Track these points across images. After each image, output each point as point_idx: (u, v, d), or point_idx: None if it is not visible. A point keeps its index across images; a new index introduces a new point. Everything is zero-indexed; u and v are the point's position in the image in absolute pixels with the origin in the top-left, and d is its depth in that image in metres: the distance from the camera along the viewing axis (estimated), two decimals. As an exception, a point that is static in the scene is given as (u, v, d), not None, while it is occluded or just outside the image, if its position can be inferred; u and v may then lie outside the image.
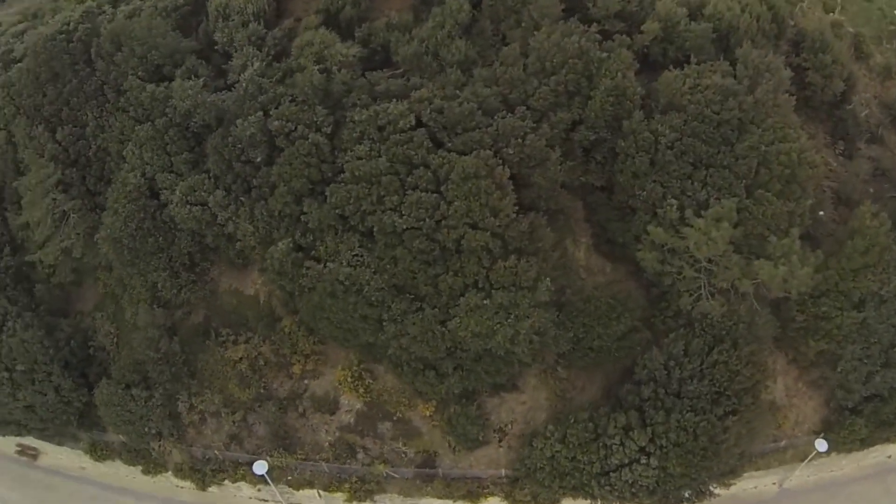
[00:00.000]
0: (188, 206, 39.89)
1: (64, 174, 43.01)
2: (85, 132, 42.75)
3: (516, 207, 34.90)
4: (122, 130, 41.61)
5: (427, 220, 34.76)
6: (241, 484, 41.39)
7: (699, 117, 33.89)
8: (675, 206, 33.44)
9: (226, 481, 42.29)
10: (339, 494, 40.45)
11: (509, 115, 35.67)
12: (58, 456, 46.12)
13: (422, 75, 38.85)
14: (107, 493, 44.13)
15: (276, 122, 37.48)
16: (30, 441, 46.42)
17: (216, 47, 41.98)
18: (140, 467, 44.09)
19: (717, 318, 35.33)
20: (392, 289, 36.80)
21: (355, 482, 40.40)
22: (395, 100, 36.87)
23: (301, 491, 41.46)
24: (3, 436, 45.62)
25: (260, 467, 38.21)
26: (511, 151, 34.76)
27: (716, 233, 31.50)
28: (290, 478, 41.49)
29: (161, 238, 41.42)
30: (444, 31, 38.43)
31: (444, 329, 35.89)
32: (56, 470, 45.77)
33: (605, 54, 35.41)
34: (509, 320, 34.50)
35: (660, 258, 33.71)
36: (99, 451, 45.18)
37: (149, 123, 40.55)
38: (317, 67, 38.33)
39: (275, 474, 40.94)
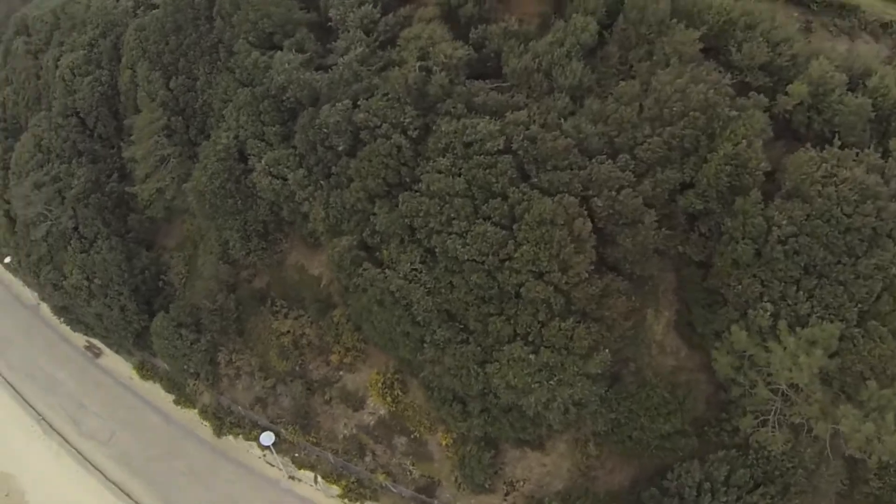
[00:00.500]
0: (269, 178, 37.43)
1: (170, 120, 41.87)
2: (195, 85, 41.11)
3: (592, 266, 29.09)
4: (225, 90, 39.53)
5: (490, 256, 29.93)
6: (253, 444, 40.02)
7: (826, 215, 26.33)
8: (768, 313, 26.46)
9: (240, 436, 41.22)
10: (334, 487, 38.17)
11: (609, 161, 29.51)
12: (115, 360, 47.09)
13: (529, 94, 33.18)
14: (143, 407, 44.50)
15: (361, 115, 33.68)
16: (96, 341, 47.81)
17: (330, 24, 38.25)
18: (173, 396, 44.09)
19: (777, 453, 28.15)
20: (442, 313, 32.58)
21: (353, 482, 37.96)
22: (489, 117, 31.79)
23: (302, 470, 39.60)
24: (75, 332, 47.70)
25: (266, 438, 37.46)
26: (600, 203, 28.78)
27: (805, 359, 24.36)
28: (296, 455, 39.78)
29: (240, 201, 39.45)
30: (562, 50, 32.29)
31: (481, 370, 31.53)
32: (110, 372, 46.77)
33: (734, 113, 28.07)
34: (550, 383, 29.36)
35: (735, 365, 26.91)
36: (145, 371, 45.69)
37: (248, 89, 38.13)
38: (418, 64, 33.68)
39: (283, 447, 39.55)
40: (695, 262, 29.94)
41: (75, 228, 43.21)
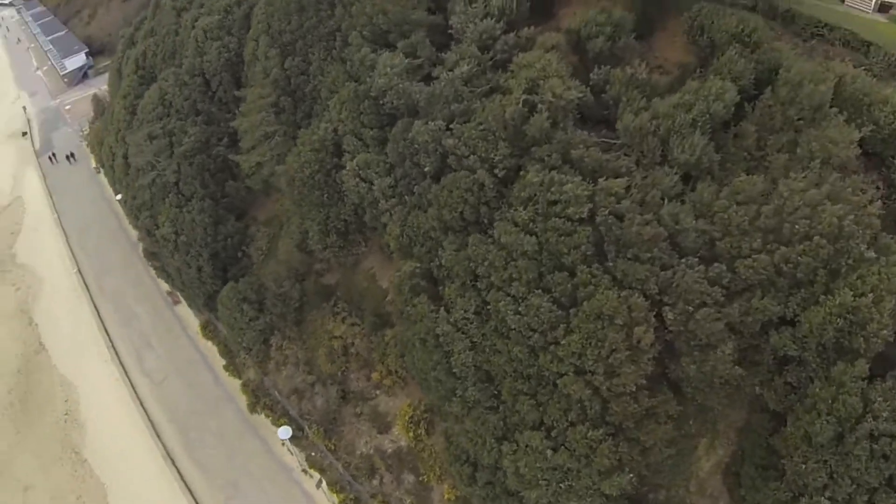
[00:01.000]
0: (357, 179, 37.86)
1: (279, 99, 43.65)
2: (309, 69, 42.39)
3: (645, 380, 26.21)
4: (334, 80, 40.35)
5: (537, 334, 28.02)
6: (279, 429, 41.39)
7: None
8: (821, 513, 22.15)
9: (269, 419, 43.25)
10: (335, 496, 39.00)
11: (701, 266, 25.97)
12: (188, 312, 51.53)
13: (638, 160, 30.03)
14: (200, 362, 48.15)
15: (450, 140, 32.66)
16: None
17: (450, 31, 37.27)
18: (225, 362, 47.15)
19: None
20: (480, 372, 31.50)
21: (351, 499, 38.60)
22: (582, 177, 29.30)
23: (312, 469, 40.90)
24: (159, 278, 52.83)
25: (284, 433, 38.98)
26: (671, 315, 25.63)
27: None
28: (312, 453, 41.03)
29: (327, 195, 40.30)
30: (687, 117, 28.77)
31: (497, 445, 30.39)
32: (181, 320, 51.41)
33: (872, 254, 23.36)
34: (559, 485, 27.61)
35: (771, 550, 23.06)
36: (207, 330, 49.13)
37: (354, 84, 38.48)
38: (523, 97, 31.85)
39: (303, 442, 41.18)
40: (769, 411, 25.80)
41: (176, 183, 46.98)
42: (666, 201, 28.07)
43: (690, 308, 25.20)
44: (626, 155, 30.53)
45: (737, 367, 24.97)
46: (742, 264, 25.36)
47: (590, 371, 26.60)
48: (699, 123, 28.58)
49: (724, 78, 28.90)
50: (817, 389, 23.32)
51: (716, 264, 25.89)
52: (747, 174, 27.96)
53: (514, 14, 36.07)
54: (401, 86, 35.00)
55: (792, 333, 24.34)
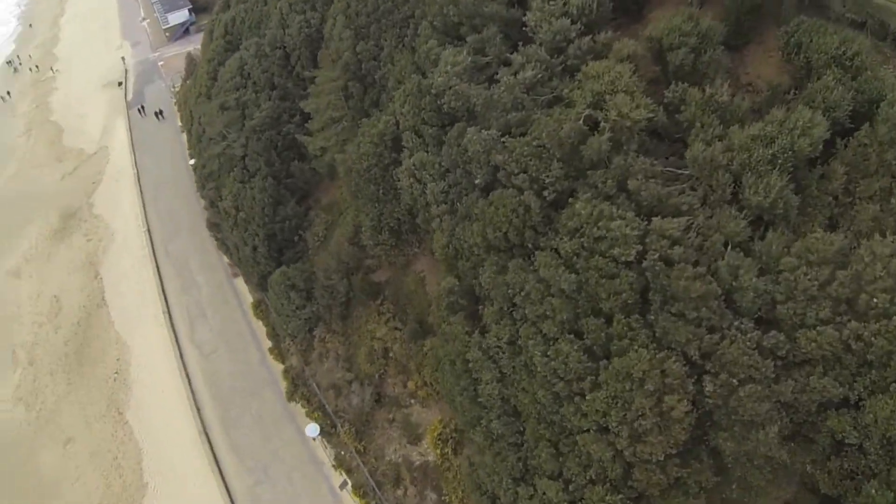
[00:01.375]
0: (411, 179, 37.97)
1: (348, 84, 44.09)
2: (380, 55, 42.49)
3: (674, 449, 24.78)
4: (402, 70, 40.25)
5: (561, 382, 27.23)
6: (307, 426, 43.56)
7: None
8: None
9: (305, 409, 44.98)
10: (357, 499, 40.20)
11: (756, 332, 24.05)
12: (245, 287, 54.07)
13: (706, 196, 27.89)
14: (250, 340, 50.53)
15: (499, 156, 31.76)
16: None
17: (525, 28, 35.94)
18: (271, 344, 49.31)
19: None
20: (507, 405, 31.32)
21: None
22: (635, 212, 27.60)
23: (340, 468, 42.25)
24: (219, 250, 55.71)
25: (312, 430, 41.21)
26: (711, 387, 23.93)
27: None
28: (342, 453, 42.38)
29: (382, 191, 40.76)
30: (765, 153, 26.31)
31: (514, 486, 30.37)
32: (239, 294, 54.18)
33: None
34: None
35: None
36: (259, 310, 51.53)
37: (419, 77, 38.16)
38: (585, 113, 30.34)
39: (333, 441, 42.82)
40: (819, 495, 23.76)
41: (242, 157, 49.00)
42: (728, 249, 26.08)
43: (735, 381, 23.50)
44: (692, 189, 28.50)
45: (784, 446, 23.26)
46: (804, 335, 23.34)
47: (613, 430, 25.57)
48: (779, 161, 26.15)
49: (817, 108, 26.24)
50: (873, 490, 21.38)
51: (773, 332, 23.93)
52: (829, 222, 25.66)
53: (595, 14, 34.17)
54: (458, 87, 34.30)
55: (854, 419, 22.43)
